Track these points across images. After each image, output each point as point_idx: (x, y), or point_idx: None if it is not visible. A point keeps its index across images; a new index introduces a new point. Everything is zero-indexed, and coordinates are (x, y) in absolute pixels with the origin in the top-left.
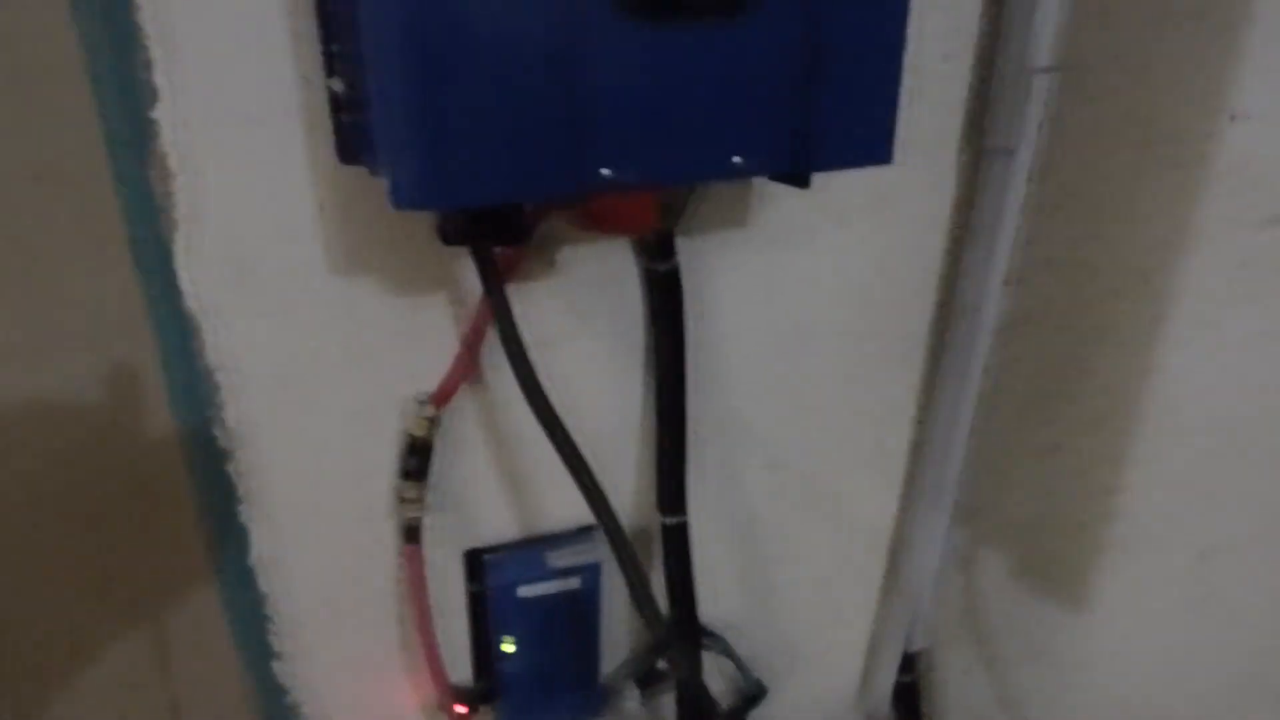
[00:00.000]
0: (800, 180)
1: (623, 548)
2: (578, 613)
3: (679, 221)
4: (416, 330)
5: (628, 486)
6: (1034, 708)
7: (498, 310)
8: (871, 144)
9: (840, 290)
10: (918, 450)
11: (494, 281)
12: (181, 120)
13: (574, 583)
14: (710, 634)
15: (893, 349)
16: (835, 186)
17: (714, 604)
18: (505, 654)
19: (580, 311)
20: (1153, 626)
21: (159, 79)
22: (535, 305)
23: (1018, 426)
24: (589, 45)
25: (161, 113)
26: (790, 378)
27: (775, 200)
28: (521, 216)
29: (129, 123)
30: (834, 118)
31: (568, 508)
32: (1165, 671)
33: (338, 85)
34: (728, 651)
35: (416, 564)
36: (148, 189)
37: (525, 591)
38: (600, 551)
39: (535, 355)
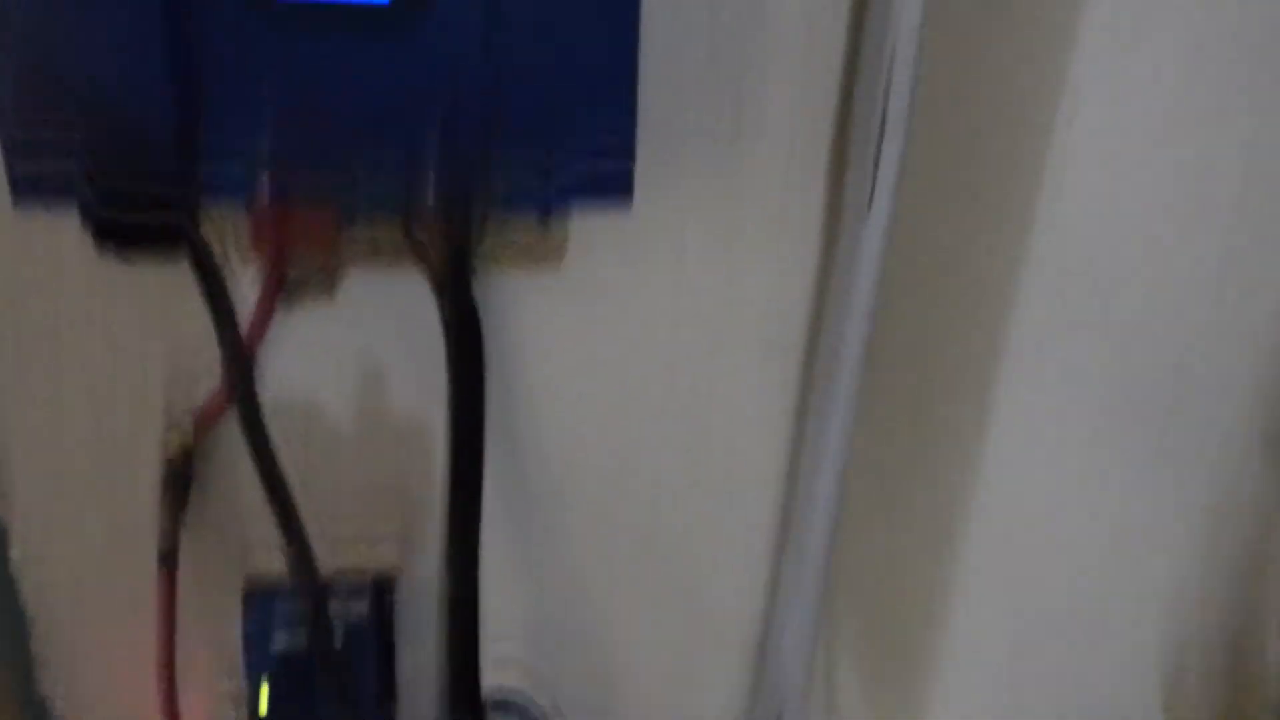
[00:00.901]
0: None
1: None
2: (365, 651)
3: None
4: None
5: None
6: None
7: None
8: (599, 180)
9: (683, 332)
10: (782, 546)
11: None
12: None
13: (361, 613)
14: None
15: (748, 427)
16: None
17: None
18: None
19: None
20: None
21: None
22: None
23: (875, 522)
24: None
25: None
26: (630, 457)
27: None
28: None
29: None
30: (539, 148)
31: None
32: None
33: None
34: None
35: (167, 591)
36: None
37: (282, 642)
38: (386, 600)
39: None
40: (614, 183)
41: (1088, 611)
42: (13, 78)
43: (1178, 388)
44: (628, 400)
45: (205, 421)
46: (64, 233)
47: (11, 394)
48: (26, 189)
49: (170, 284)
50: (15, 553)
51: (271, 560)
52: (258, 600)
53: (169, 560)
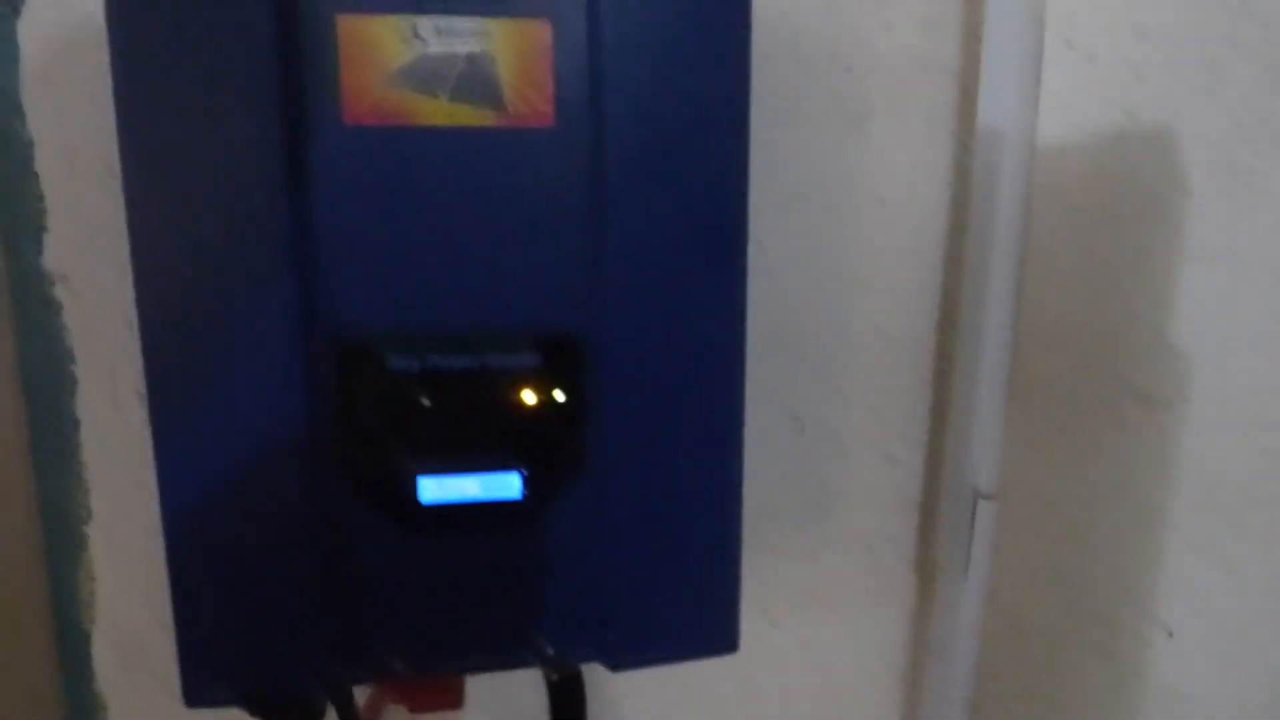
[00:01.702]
0: (613, 665)
1: None
2: None
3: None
4: None
5: None
6: None
7: None
8: (704, 633)
9: (777, 699)
10: None
11: None
12: (108, 537)
13: None
14: None
15: None
16: (770, 579)
17: None
18: None
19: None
20: None
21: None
22: None
23: None
24: (364, 561)
25: (96, 532)
26: None
27: None
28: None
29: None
30: (647, 615)
31: None
32: None
33: None
34: None
35: None
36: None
37: None
38: None
39: None
40: (719, 646)
41: None
42: (191, 598)
43: None
44: None
45: None
46: None
47: None
48: (197, 694)
49: None
50: None
51: None
52: None
53: None
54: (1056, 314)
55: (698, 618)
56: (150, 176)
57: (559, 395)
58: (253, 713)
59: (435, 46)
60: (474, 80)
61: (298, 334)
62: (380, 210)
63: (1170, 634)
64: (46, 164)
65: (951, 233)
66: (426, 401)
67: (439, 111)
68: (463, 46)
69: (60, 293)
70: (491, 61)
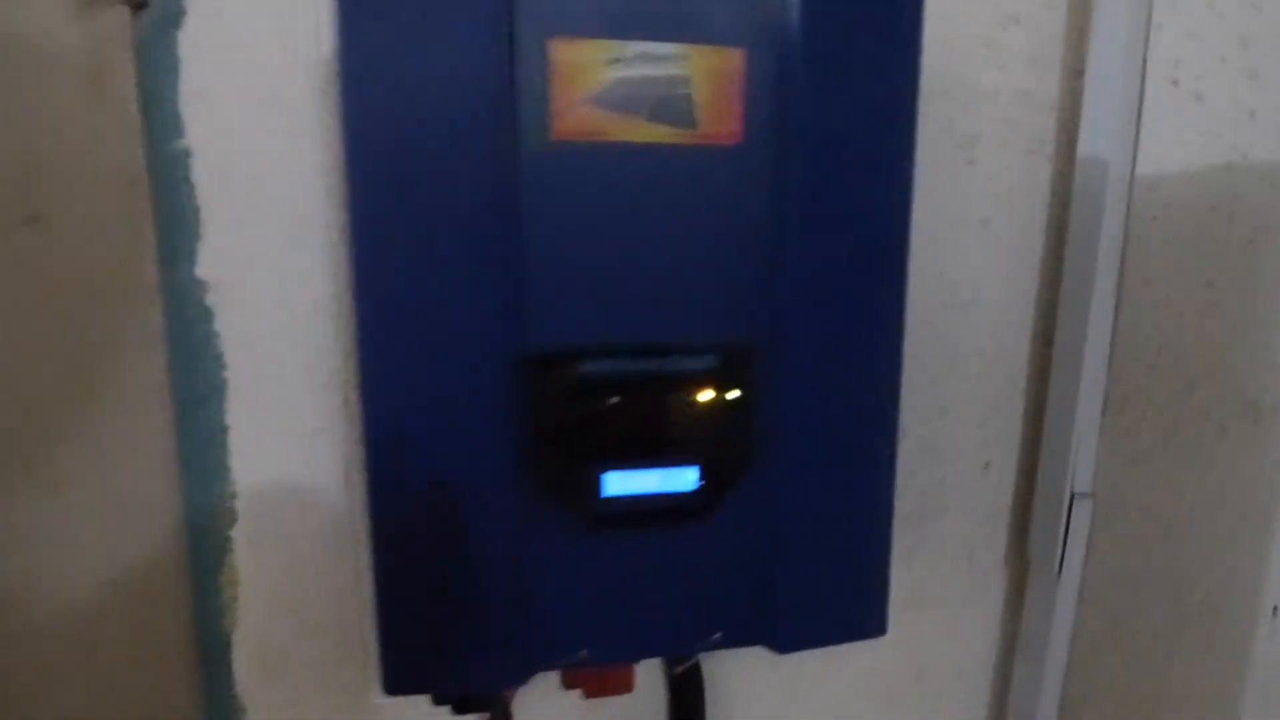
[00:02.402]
0: (778, 649)
1: None
2: None
3: None
4: None
5: None
6: None
7: None
8: (858, 618)
9: (875, 699)
10: None
11: None
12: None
13: None
14: None
15: None
16: None
17: None
18: None
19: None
20: None
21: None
22: None
23: None
24: (543, 549)
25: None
26: None
27: None
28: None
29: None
30: (809, 602)
31: None
32: None
33: None
34: None
35: None
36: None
37: None
38: None
39: None
40: (871, 620)
41: None
42: (394, 596)
43: None
44: None
45: None
46: None
47: None
48: (397, 683)
49: None
50: None
51: None
52: None
53: None
54: (1155, 330)
55: (854, 603)
56: (375, 192)
57: (734, 396)
58: (440, 702)
59: (637, 69)
60: (671, 100)
61: (500, 342)
62: (579, 222)
63: (1276, 610)
64: (201, 174)
65: (1047, 256)
66: (614, 403)
67: (638, 129)
68: (662, 70)
69: (212, 300)
70: (687, 83)
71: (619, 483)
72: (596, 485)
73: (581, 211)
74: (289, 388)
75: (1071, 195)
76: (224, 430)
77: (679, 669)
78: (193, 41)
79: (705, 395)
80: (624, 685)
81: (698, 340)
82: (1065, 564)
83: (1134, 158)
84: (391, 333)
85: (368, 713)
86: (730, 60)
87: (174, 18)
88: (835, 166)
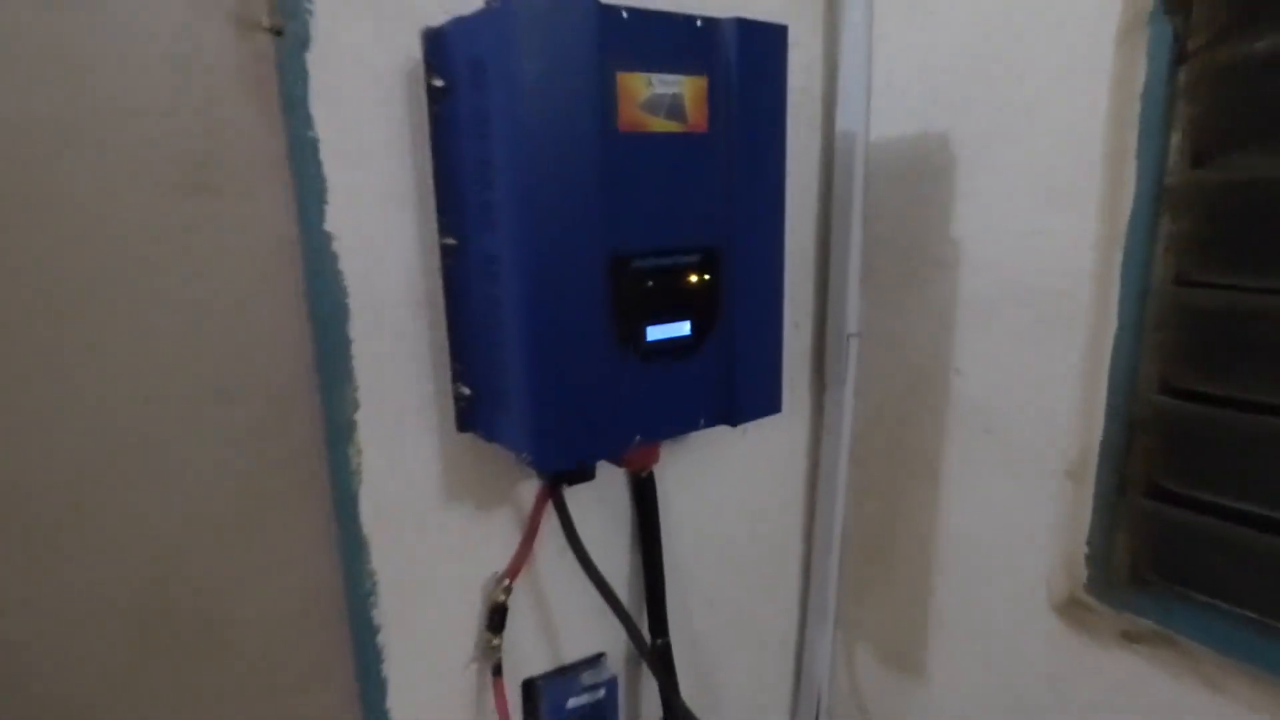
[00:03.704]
0: (733, 424)
1: (642, 647)
2: (603, 716)
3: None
4: (493, 531)
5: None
6: None
7: (563, 520)
8: (770, 399)
9: (750, 482)
10: (807, 585)
11: (560, 503)
12: (375, 425)
13: (600, 693)
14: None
15: (787, 507)
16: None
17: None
18: None
19: (600, 501)
20: (983, 689)
21: (362, 403)
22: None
23: (864, 561)
24: (614, 375)
25: (365, 420)
26: (716, 541)
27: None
28: (589, 467)
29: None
30: (751, 387)
31: (581, 642)
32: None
33: (464, 387)
34: None
35: (501, 692)
36: (346, 463)
37: (573, 702)
38: (610, 673)
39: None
40: (775, 404)
41: None
42: (543, 405)
43: None
44: (715, 527)
45: (510, 578)
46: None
47: (397, 589)
48: (544, 463)
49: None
50: (388, 701)
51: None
52: (547, 684)
53: (498, 670)
54: (884, 228)
55: (767, 396)
56: (531, 160)
57: (707, 278)
58: (557, 481)
59: (658, 89)
60: (675, 106)
61: (601, 251)
62: (631, 177)
63: (958, 369)
64: (327, 155)
65: (822, 190)
66: (650, 285)
67: (659, 123)
68: (670, 90)
69: (337, 247)
70: (682, 98)
71: (654, 333)
72: (643, 334)
73: (633, 171)
74: (390, 305)
75: (835, 151)
76: (348, 342)
77: (643, 474)
78: (317, 58)
79: (692, 279)
80: (654, 458)
81: (689, 245)
82: (846, 378)
83: (867, 128)
84: (541, 243)
85: (455, 549)
86: (701, 84)
87: (304, 42)
88: (751, 144)
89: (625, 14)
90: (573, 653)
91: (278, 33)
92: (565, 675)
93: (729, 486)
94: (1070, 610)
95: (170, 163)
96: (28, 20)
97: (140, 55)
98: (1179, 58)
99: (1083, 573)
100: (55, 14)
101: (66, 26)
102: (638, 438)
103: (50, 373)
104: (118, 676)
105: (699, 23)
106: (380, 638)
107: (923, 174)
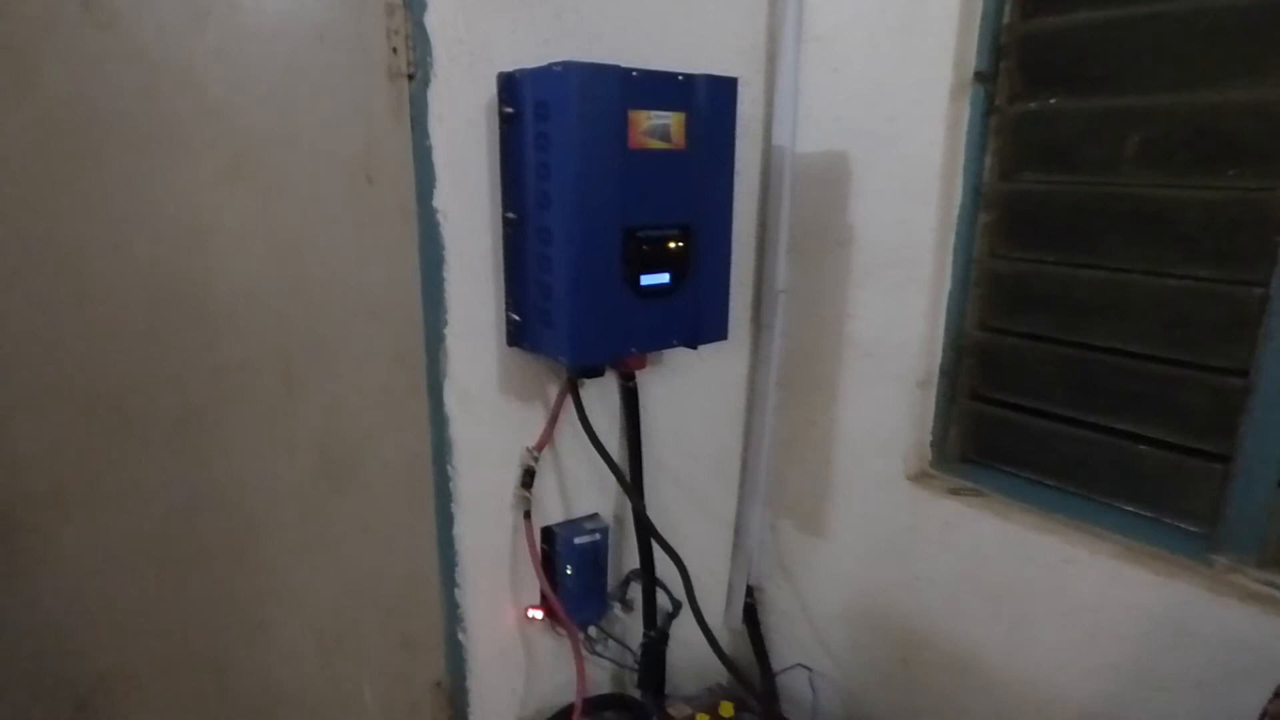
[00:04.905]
0: (694, 346)
1: (638, 502)
2: (597, 554)
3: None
4: (529, 417)
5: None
6: (811, 597)
7: (578, 407)
8: (721, 329)
9: (705, 397)
10: (744, 473)
11: (576, 394)
12: (456, 338)
13: (596, 536)
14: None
15: (732, 417)
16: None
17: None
18: (568, 575)
19: (601, 404)
20: (864, 539)
21: (449, 322)
22: (588, 401)
23: (787, 455)
24: (621, 306)
25: (450, 334)
26: (681, 439)
27: (675, 352)
28: (601, 366)
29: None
30: (708, 321)
31: (583, 504)
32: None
33: (515, 315)
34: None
35: (529, 532)
36: (438, 363)
37: (578, 541)
38: (604, 523)
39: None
40: (723, 331)
41: None
42: (579, 319)
43: None
44: (681, 428)
45: (538, 449)
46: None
47: (469, 450)
48: (576, 360)
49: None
50: (456, 528)
51: (555, 515)
52: (561, 529)
53: (528, 516)
54: (806, 216)
55: (719, 326)
56: (583, 165)
57: (682, 245)
58: (579, 374)
59: (655, 121)
60: (665, 132)
61: (618, 225)
62: (637, 179)
63: (850, 315)
64: (436, 157)
65: (762, 188)
66: (646, 248)
67: (655, 143)
68: (662, 121)
69: (440, 218)
70: (669, 127)
71: (648, 279)
72: (639, 280)
73: (639, 175)
74: (470, 257)
75: (770, 159)
76: (443, 281)
77: (631, 384)
78: (434, 93)
79: (672, 245)
80: (642, 365)
81: (671, 224)
82: (775, 323)
83: (794, 144)
84: (580, 218)
85: (503, 427)
86: (681, 118)
87: (426, 82)
88: (712, 156)
89: (635, 74)
90: (578, 510)
91: (411, 77)
92: (573, 524)
93: (691, 400)
94: (919, 479)
95: (354, 160)
96: (284, 75)
97: (339, 97)
98: (989, 110)
99: (928, 454)
100: (294, 75)
101: (300, 82)
102: (633, 349)
103: (282, 292)
104: (304, 496)
105: (680, 78)
106: (453, 485)
107: (830, 179)
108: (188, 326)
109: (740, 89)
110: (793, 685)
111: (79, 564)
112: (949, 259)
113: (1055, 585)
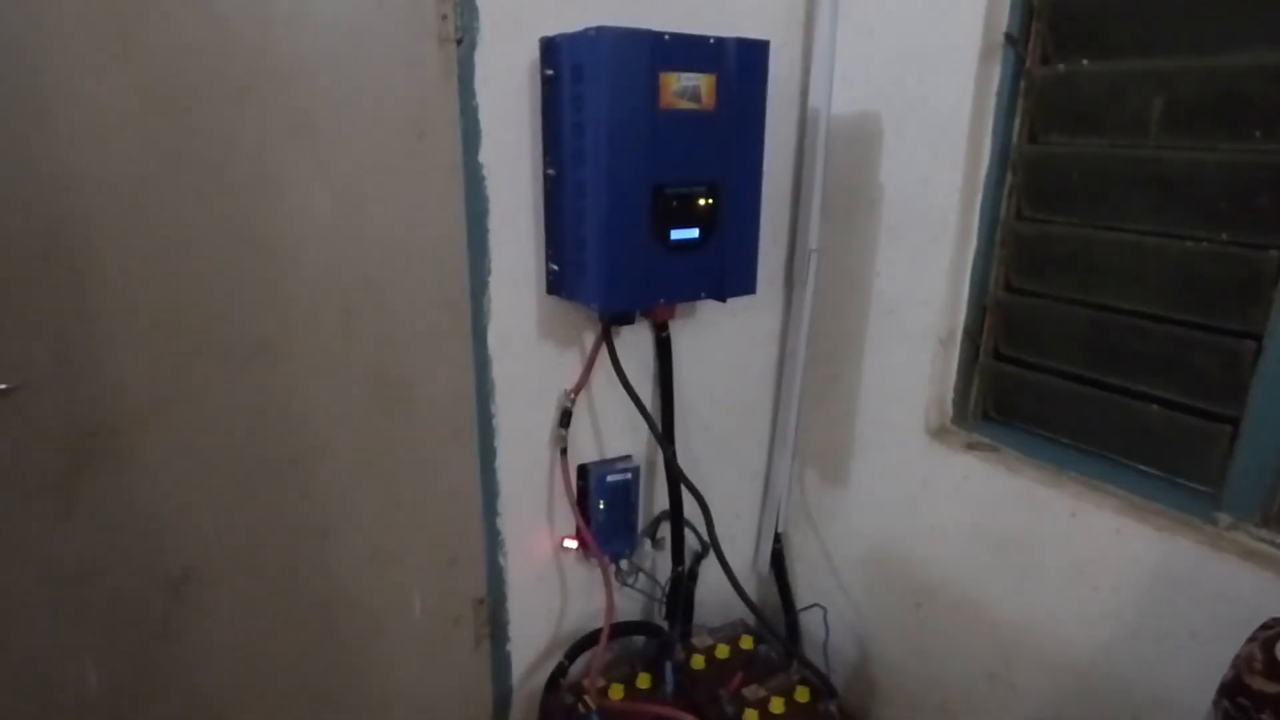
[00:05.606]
0: (722, 299)
1: (667, 447)
2: (628, 492)
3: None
4: (566, 362)
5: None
6: (832, 544)
7: (611, 353)
8: (748, 284)
9: (738, 351)
10: (775, 422)
11: (610, 341)
12: (499, 285)
13: (628, 475)
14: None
15: (763, 371)
16: (731, 301)
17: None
18: (600, 510)
19: (635, 353)
20: (883, 490)
21: (492, 270)
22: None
23: (813, 408)
24: (651, 258)
25: (493, 281)
26: (712, 390)
27: (707, 306)
28: (632, 313)
29: (481, 286)
30: (735, 275)
31: (616, 446)
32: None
33: (554, 265)
34: (687, 524)
35: (565, 468)
36: (482, 308)
37: (610, 479)
38: (635, 464)
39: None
40: (752, 286)
41: None
42: (610, 268)
43: None
44: (713, 380)
45: (575, 393)
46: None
47: (509, 389)
48: (607, 306)
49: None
50: (497, 460)
51: (590, 454)
52: (594, 467)
53: (564, 454)
54: (828, 176)
55: (747, 280)
56: (616, 126)
57: (710, 202)
58: (612, 322)
59: (685, 82)
60: (695, 93)
61: (648, 182)
62: (667, 138)
63: (878, 274)
64: (483, 116)
65: (798, 149)
66: (675, 204)
67: (685, 104)
68: (693, 83)
69: (485, 173)
70: (699, 88)
71: (676, 234)
72: (669, 234)
73: (669, 135)
74: (512, 210)
75: (806, 121)
76: (486, 231)
77: (663, 334)
78: (481, 57)
79: (701, 202)
80: (671, 314)
81: (700, 181)
82: (808, 280)
83: (829, 106)
84: (614, 174)
85: (542, 370)
86: (711, 79)
87: (473, 46)
88: (741, 117)
89: (666, 37)
90: (611, 452)
91: (459, 42)
92: (606, 463)
93: (723, 354)
94: (939, 434)
95: (407, 119)
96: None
97: (394, 60)
98: (1019, 73)
99: (949, 410)
100: (354, 40)
101: (359, 46)
102: (662, 299)
103: (342, 238)
104: (359, 422)
105: (711, 40)
106: (494, 422)
107: (862, 139)
108: (260, 266)
109: (778, 51)
110: (809, 624)
111: (169, 471)
112: (975, 220)
113: (1062, 537)
